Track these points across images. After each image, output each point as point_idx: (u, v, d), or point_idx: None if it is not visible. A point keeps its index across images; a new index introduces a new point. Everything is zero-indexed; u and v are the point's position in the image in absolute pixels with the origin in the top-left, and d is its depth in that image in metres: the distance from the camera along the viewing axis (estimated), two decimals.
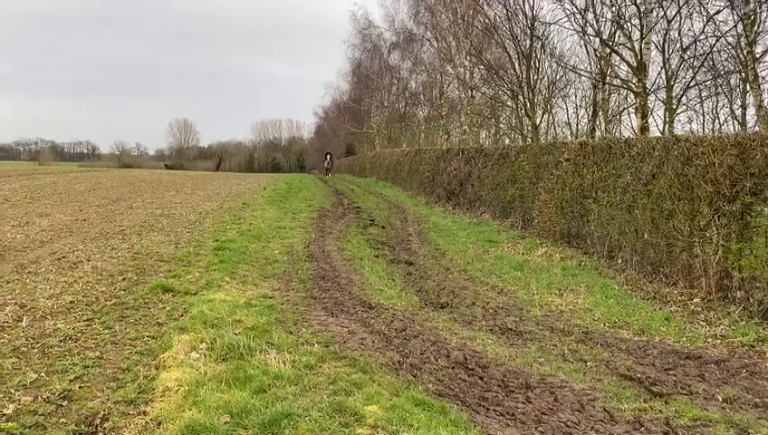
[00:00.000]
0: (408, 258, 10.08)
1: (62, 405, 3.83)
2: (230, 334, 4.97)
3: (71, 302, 6.06)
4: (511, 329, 6.40)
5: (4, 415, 3.64)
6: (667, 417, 4.27)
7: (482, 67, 25.98)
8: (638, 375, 5.10)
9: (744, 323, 6.32)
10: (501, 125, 29.32)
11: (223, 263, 8.03)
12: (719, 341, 6.02)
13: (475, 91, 29.09)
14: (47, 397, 3.91)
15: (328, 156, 49.14)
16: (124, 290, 6.62)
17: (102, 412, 3.73)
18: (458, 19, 29.56)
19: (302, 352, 4.75)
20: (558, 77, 23.51)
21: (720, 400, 4.62)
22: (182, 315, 5.71)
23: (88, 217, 12.37)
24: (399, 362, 4.96)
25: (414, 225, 14.48)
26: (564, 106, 26.59)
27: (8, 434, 3.43)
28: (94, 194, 18.49)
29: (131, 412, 3.75)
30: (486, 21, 25.60)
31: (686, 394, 4.72)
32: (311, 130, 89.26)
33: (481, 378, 4.90)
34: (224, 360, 4.54)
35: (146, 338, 5.13)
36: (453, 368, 5.04)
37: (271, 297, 6.56)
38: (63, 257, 8.16)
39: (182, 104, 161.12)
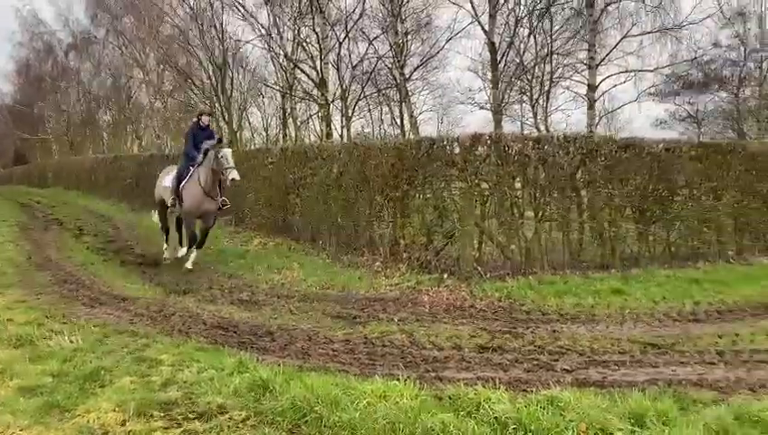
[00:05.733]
0: (137, 260, 10.88)
1: None
2: (10, 328, 5.61)
3: None
4: (247, 300, 8.00)
5: None
6: (365, 334, 6.38)
7: (175, 73, 26.61)
8: (345, 314, 7.21)
9: (408, 274, 8.94)
10: None
11: None
12: (394, 287, 8.52)
13: (168, 97, 29.45)
14: None
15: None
16: None
17: None
18: (143, 24, 29.34)
19: (87, 332, 5.69)
20: (251, 87, 25.51)
21: (396, 320, 6.93)
22: None
23: None
24: (170, 329, 6.22)
25: (128, 231, 14.92)
26: (259, 113, 28.72)
27: None
28: None
29: None
30: (175, 29, 26.28)
31: (375, 321, 6.93)
32: None
33: (235, 332, 6.43)
34: (17, 347, 5.25)
35: None
36: (212, 329, 6.47)
37: (24, 301, 7.04)
38: None
39: None
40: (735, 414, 4.01)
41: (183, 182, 10.13)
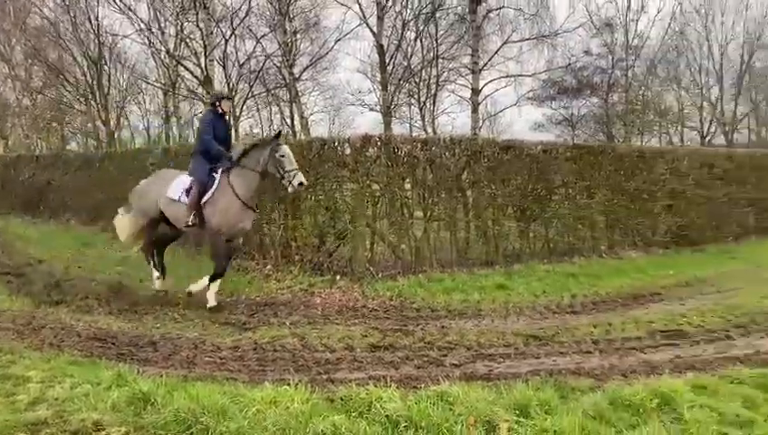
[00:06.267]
0: (2, 269, 10.00)
1: None
2: None
3: None
4: (127, 310, 7.55)
5: None
6: (255, 340, 6.22)
7: (46, 69, 24.70)
8: (233, 321, 7.01)
9: (300, 276, 8.84)
10: (72, 130, 28.27)
11: None
12: (286, 290, 8.39)
13: (37, 94, 27.31)
14: None
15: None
16: None
17: None
18: (7, 15, 27.00)
19: None
20: (130, 84, 24.22)
21: (288, 324, 6.82)
22: None
23: None
24: (40, 343, 5.75)
25: None
26: (139, 112, 27.35)
27: None
28: None
29: None
30: (45, 21, 24.43)
31: (266, 325, 6.78)
32: None
33: (113, 344, 6.05)
34: None
35: None
36: (87, 341, 6.05)
37: None
38: None
39: None
40: (610, 399, 4.28)
41: (209, 193, 7.63)
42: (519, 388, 4.32)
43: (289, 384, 4.29)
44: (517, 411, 4.00)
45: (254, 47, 19.71)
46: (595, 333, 6.54)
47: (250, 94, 21.21)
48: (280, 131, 8.08)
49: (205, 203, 7.60)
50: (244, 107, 22.61)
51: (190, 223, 7.61)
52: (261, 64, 19.79)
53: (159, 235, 8.45)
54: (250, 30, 19.09)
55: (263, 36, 19.44)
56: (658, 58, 25.18)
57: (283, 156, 7.48)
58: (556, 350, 5.97)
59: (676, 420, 4.09)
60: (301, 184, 7.46)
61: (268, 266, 9.39)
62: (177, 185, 7.87)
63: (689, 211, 12.41)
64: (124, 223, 8.67)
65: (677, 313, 7.46)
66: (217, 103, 7.97)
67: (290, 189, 7.56)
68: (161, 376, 4.58)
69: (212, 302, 7.56)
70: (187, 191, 7.70)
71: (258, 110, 24.83)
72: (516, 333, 6.48)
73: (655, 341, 6.33)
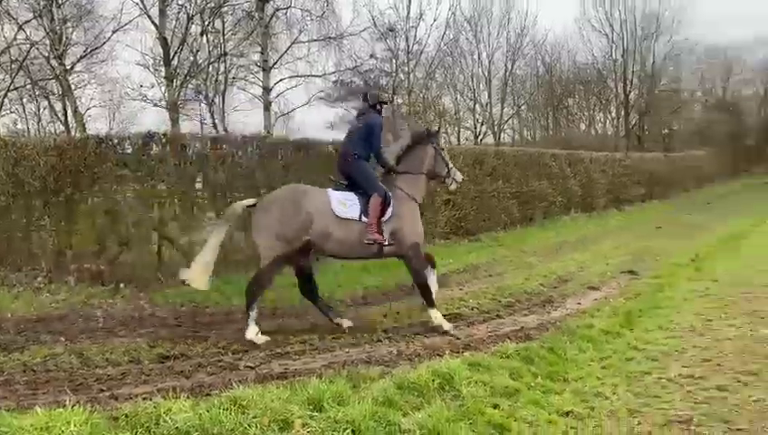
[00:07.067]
0: None
1: None
2: None
3: None
4: None
5: None
6: (24, 362, 5.56)
7: None
8: None
9: (78, 287, 8.10)
10: None
11: None
12: (61, 304, 7.61)
13: None
14: None
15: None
16: None
17: None
18: None
19: None
20: None
21: (63, 340, 6.19)
22: None
23: None
24: None
25: None
26: None
27: None
28: None
29: None
30: None
31: (37, 344, 6.07)
32: None
33: None
34: None
35: None
36: None
37: None
38: None
39: None
40: (397, 384, 4.56)
41: (391, 207, 6.58)
42: (313, 383, 4.40)
43: (65, 406, 3.91)
44: (311, 407, 4.08)
45: (15, 34, 17.45)
46: (385, 323, 6.92)
47: (11, 86, 18.76)
48: (439, 127, 7.70)
49: (390, 219, 6.59)
50: (6, 100, 19.95)
51: (386, 242, 6.50)
52: (24, 53, 17.58)
53: (305, 270, 6.88)
54: (9, 14, 16.85)
55: (26, 22, 17.28)
56: (436, 63, 27.18)
57: (445, 155, 7.18)
58: (349, 341, 6.20)
59: (455, 396, 4.49)
60: (462, 179, 7.39)
61: (39, 278, 8.41)
62: (346, 202, 6.54)
63: (465, 205, 13.64)
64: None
65: (457, 297, 8.19)
66: (378, 106, 7.08)
67: (453, 187, 7.30)
68: None
69: (447, 325, 6.67)
70: (364, 208, 6.50)
71: (23, 103, 22.10)
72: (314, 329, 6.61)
73: None
